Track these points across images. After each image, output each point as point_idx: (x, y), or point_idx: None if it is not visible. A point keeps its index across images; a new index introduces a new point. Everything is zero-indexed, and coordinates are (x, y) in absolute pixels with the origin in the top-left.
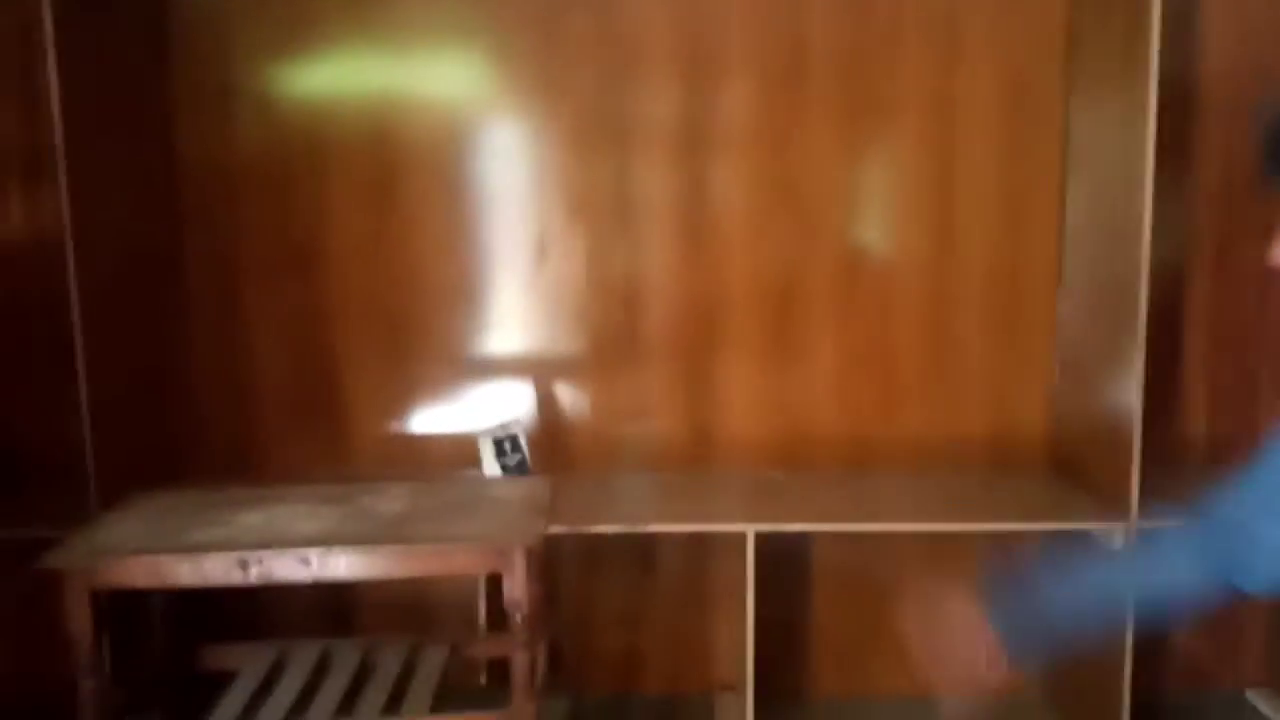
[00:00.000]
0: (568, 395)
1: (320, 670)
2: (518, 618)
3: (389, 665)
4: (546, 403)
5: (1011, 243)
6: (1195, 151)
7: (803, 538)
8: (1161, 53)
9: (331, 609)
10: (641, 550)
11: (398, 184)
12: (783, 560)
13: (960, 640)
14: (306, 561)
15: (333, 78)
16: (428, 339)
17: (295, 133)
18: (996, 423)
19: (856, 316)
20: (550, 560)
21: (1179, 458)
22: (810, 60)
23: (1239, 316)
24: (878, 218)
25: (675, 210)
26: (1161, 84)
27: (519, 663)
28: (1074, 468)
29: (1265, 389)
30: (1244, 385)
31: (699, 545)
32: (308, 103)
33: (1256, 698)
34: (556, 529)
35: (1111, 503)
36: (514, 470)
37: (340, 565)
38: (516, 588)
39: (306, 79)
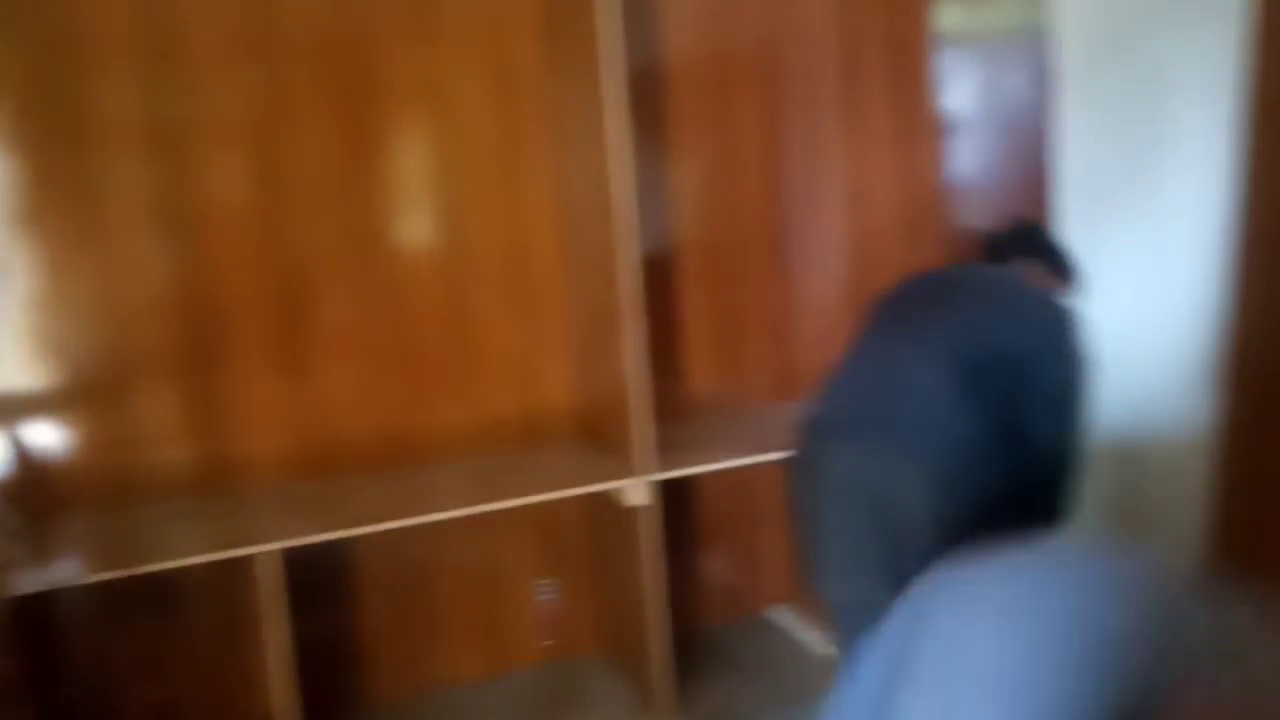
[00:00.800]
0: (48, 432)
1: None
2: None
3: None
4: (19, 443)
5: (517, 223)
6: (669, 126)
7: (342, 546)
8: (627, 33)
9: None
10: (160, 590)
11: None
12: (325, 572)
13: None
14: None
15: None
16: None
17: None
18: (526, 400)
19: (372, 310)
20: (47, 620)
21: (692, 411)
22: (293, 45)
23: (728, 276)
24: (383, 207)
25: (155, 213)
26: (630, 64)
27: None
28: (598, 434)
29: (754, 341)
30: (738, 340)
31: (224, 573)
32: None
33: (776, 615)
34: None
35: (630, 461)
36: None
37: None
38: None
39: None
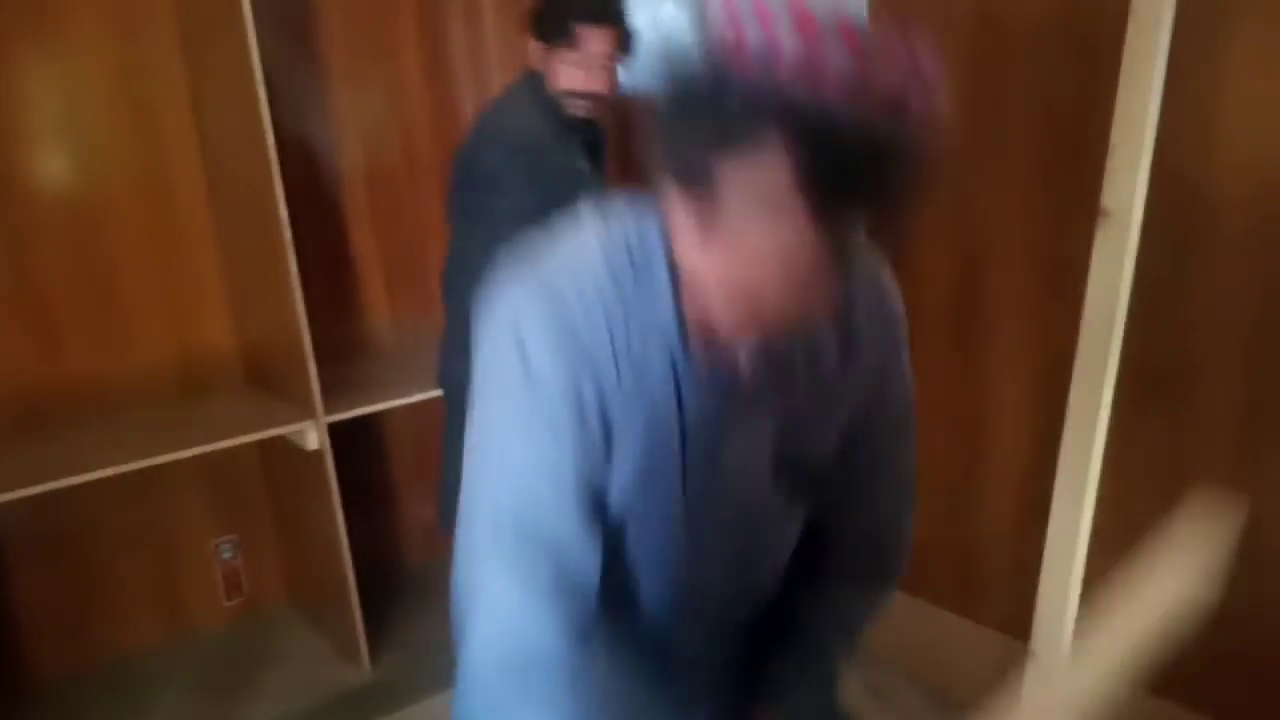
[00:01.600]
0: None
1: None
2: None
3: None
4: None
5: (154, 157)
6: (323, 53)
7: None
8: None
9: None
10: None
11: None
12: None
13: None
14: None
15: None
16: None
17: None
18: (185, 346)
19: None
20: None
21: (368, 350)
22: None
23: (400, 209)
24: None
25: None
26: None
27: None
28: (266, 377)
29: (432, 273)
30: (416, 275)
31: None
32: None
33: None
34: None
35: (300, 404)
36: None
37: None
38: None
39: None
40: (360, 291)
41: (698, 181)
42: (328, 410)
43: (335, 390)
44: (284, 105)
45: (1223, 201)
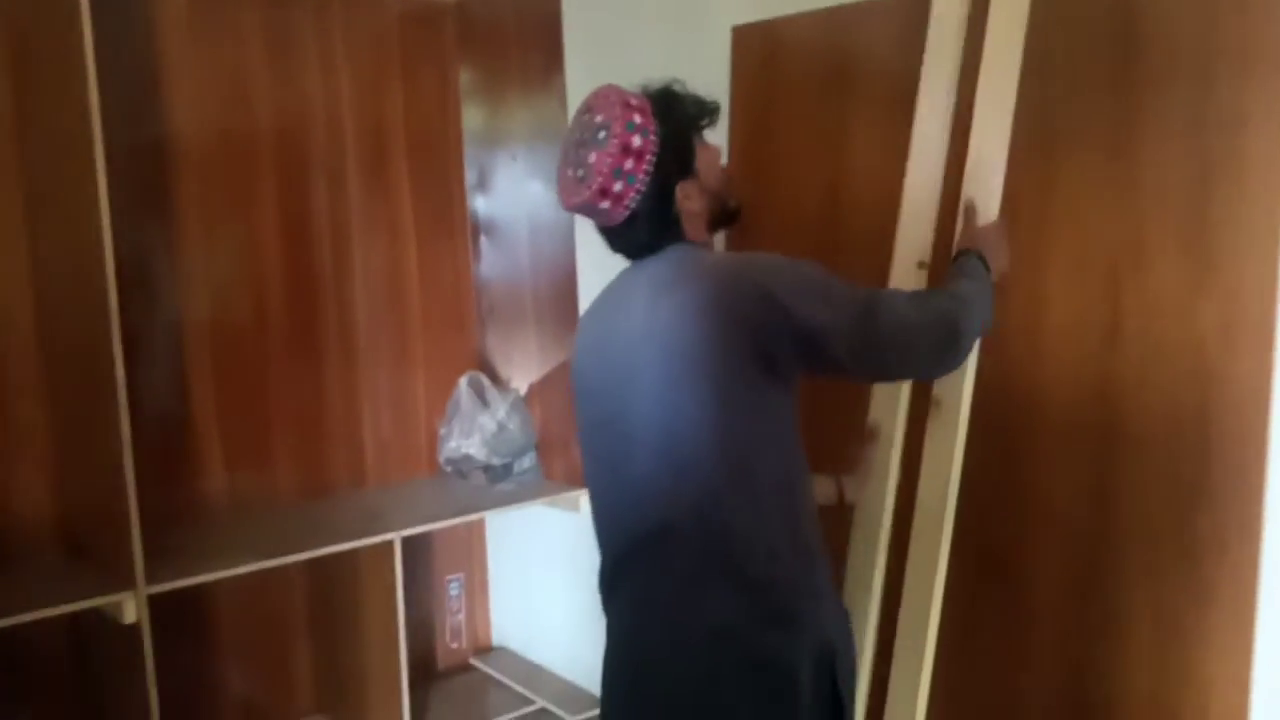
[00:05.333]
0: None
1: None
2: None
3: None
4: None
5: None
6: (175, 206)
7: None
8: (123, 108)
9: None
10: None
11: None
12: None
13: None
14: None
15: None
16: None
17: None
18: None
19: None
20: None
21: (199, 513)
22: None
23: (240, 368)
24: None
25: None
26: (127, 139)
27: None
28: (83, 544)
29: (278, 436)
30: (257, 435)
31: None
32: None
33: None
34: None
35: (119, 574)
36: None
37: None
38: None
39: None
40: (195, 452)
41: None
42: (150, 580)
43: (160, 558)
44: (129, 254)
45: (1048, 402)
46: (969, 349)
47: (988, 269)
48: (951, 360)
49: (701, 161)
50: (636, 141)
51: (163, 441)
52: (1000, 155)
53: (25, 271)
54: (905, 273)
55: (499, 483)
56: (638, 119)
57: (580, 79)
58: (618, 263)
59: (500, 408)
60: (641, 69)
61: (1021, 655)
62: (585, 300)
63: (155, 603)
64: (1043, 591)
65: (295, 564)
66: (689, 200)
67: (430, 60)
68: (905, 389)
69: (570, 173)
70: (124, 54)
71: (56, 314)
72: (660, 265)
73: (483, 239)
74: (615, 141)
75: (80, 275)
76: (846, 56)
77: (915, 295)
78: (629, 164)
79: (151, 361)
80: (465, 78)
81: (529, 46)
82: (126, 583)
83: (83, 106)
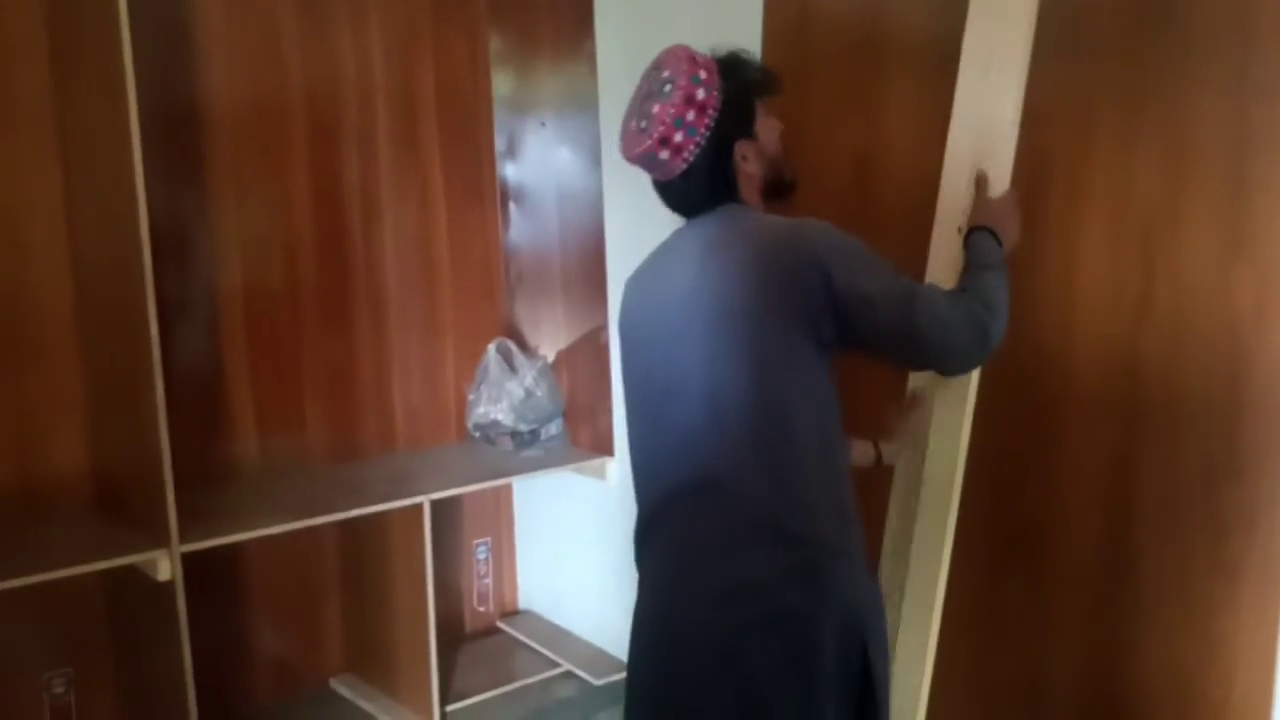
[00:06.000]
0: None
1: None
2: None
3: None
4: None
5: (13, 268)
6: (209, 173)
7: None
8: (157, 76)
9: None
10: None
11: None
12: None
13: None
14: None
15: None
16: None
17: None
18: (25, 467)
19: None
20: None
21: (232, 474)
22: None
23: (272, 332)
24: None
25: None
26: (162, 106)
27: None
28: (119, 502)
29: (310, 398)
30: (289, 397)
31: None
32: None
33: (341, 685)
34: None
35: (153, 532)
36: None
37: None
38: None
39: None
40: (228, 414)
41: None
42: (183, 539)
43: (193, 517)
44: (163, 218)
45: (1077, 375)
46: (991, 353)
47: (1000, 244)
48: (976, 363)
49: (763, 127)
50: (700, 95)
51: (197, 403)
52: (1012, 122)
53: (63, 236)
54: (946, 236)
55: (526, 449)
56: (703, 74)
57: (611, 45)
58: (647, 231)
59: (528, 374)
60: (673, 35)
61: (1046, 629)
62: (613, 268)
63: (189, 561)
64: (1069, 566)
65: (326, 525)
66: (746, 161)
67: (461, 26)
68: None
69: (634, 124)
70: (158, 19)
71: (93, 277)
72: (712, 223)
73: (511, 206)
74: (679, 93)
75: (116, 239)
76: (880, 21)
77: (953, 295)
78: (691, 115)
79: (186, 325)
80: (495, 44)
81: (560, 12)
82: (161, 540)
83: (117, 72)
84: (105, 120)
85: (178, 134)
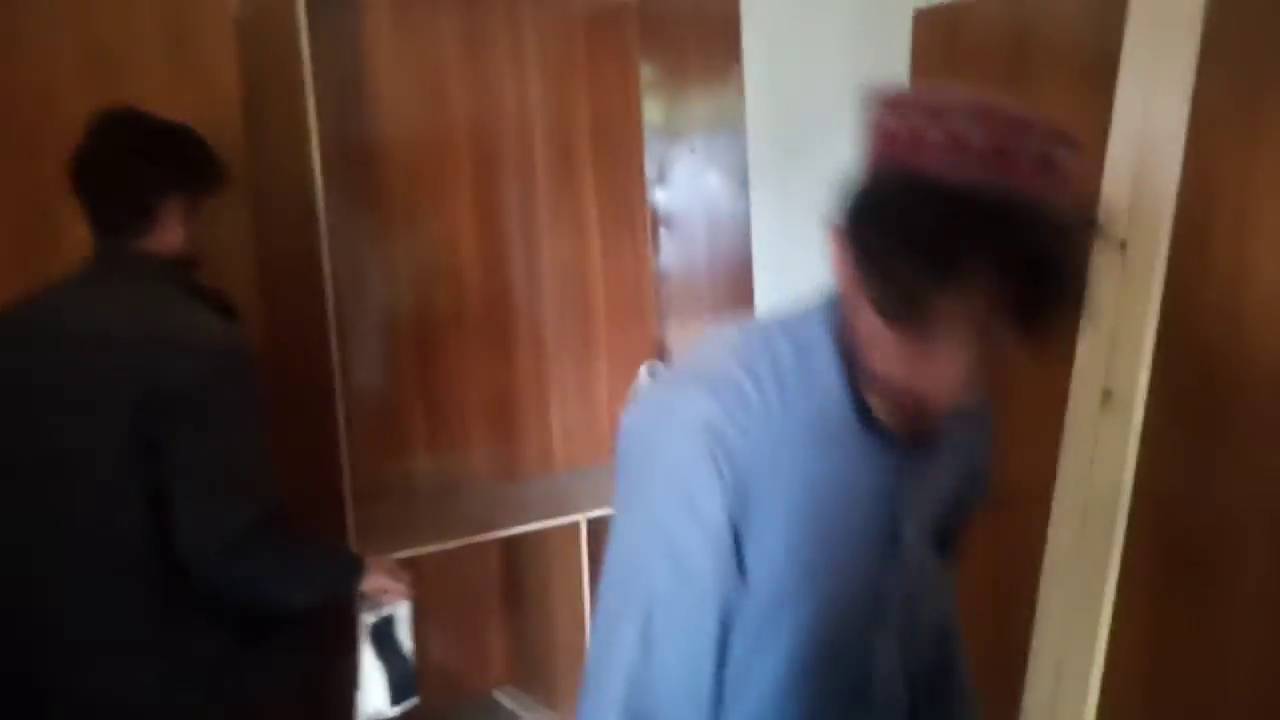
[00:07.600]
0: None
1: None
2: None
3: None
4: None
5: None
6: (381, 205)
7: None
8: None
9: None
10: None
11: None
12: None
13: None
14: None
15: None
16: None
17: None
18: None
19: None
20: None
21: (403, 491)
22: None
23: (440, 356)
24: None
25: None
26: (339, 143)
27: None
28: (301, 517)
29: (472, 419)
30: (454, 417)
31: None
32: None
33: (503, 696)
34: None
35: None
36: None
37: None
38: None
39: None
40: (401, 434)
41: (913, 315)
42: (361, 551)
43: (369, 532)
44: (342, 250)
45: (1250, 386)
46: None
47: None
48: None
49: None
50: None
51: (372, 422)
52: (1175, 136)
53: (253, 268)
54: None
55: None
56: None
57: (759, 69)
58: (793, 251)
59: None
60: (821, 57)
61: (1222, 651)
62: (761, 290)
63: None
64: (1244, 585)
65: (490, 541)
66: None
67: (613, 56)
68: (1147, 352)
69: None
70: (336, 60)
71: (280, 305)
72: None
73: (662, 230)
74: None
75: (300, 269)
76: (1032, 36)
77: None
78: None
79: (362, 348)
80: (646, 72)
81: (708, 39)
82: None
83: (300, 116)
84: (291, 159)
85: (353, 170)
